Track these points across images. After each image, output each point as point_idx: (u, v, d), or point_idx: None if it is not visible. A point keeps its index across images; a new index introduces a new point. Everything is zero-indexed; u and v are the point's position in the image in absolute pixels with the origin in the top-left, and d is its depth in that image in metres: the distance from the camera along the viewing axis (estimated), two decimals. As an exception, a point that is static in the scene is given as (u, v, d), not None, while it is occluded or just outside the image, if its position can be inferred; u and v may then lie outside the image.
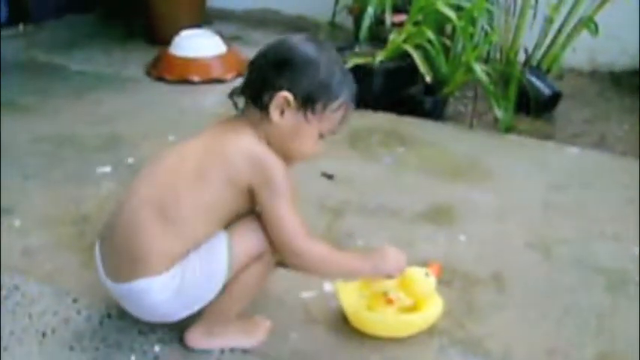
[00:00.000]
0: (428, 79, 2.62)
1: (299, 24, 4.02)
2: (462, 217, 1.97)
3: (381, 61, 2.68)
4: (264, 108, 1.29)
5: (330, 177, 2.19)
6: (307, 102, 1.29)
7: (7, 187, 2.07)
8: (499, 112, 2.56)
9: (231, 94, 1.37)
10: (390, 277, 1.39)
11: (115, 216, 1.33)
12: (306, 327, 1.50)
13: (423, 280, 1.44)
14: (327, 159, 2.29)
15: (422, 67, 2.61)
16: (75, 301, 1.55)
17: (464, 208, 2.03)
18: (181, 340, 1.41)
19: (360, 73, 2.63)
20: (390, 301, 1.45)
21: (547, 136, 2.70)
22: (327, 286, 1.59)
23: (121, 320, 1.48)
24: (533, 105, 2.83)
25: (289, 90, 1.28)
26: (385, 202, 2.04)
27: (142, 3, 3.83)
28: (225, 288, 1.32)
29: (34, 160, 2.29)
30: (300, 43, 1.32)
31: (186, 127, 2.47)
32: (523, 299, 1.62)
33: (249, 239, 1.31)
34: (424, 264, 1.50)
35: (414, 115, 2.70)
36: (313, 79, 1.28)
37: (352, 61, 2.61)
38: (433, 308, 1.46)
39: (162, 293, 1.26)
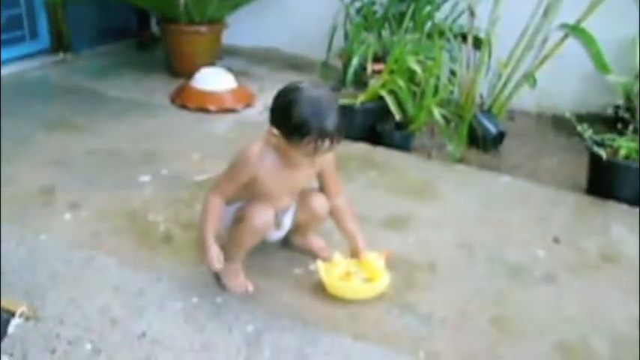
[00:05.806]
0: (397, 118, 3.33)
1: (297, 62, 4.72)
2: (413, 225, 2.66)
3: (362, 102, 3.38)
4: None
5: (318, 192, 2.87)
6: (285, 136, 1.92)
7: (72, 189, 2.75)
8: (451, 147, 3.27)
9: None
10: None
11: None
12: (296, 291, 2.18)
13: (376, 260, 2.14)
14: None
15: (393, 108, 3.32)
16: (133, 270, 2.24)
17: (416, 218, 2.72)
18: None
19: (346, 110, 3.41)
20: (349, 275, 2.14)
21: (492, 168, 3.35)
22: (312, 266, 2.27)
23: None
24: (481, 141, 3.53)
25: (276, 126, 1.93)
26: (359, 211, 2.70)
27: (166, 41, 4.44)
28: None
29: (90, 168, 2.97)
30: (290, 91, 1.91)
31: (205, 147, 3.22)
32: (447, 280, 2.31)
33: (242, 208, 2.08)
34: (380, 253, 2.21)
35: (386, 146, 3.38)
36: (289, 122, 1.89)
37: (339, 101, 3.31)
38: (383, 280, 2.15)
39: None
